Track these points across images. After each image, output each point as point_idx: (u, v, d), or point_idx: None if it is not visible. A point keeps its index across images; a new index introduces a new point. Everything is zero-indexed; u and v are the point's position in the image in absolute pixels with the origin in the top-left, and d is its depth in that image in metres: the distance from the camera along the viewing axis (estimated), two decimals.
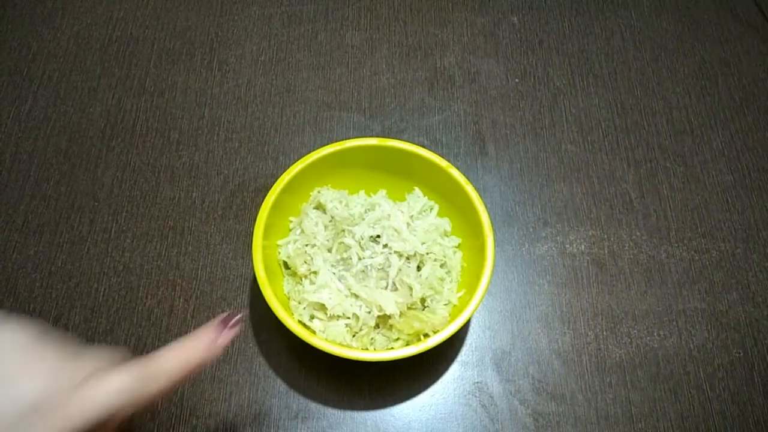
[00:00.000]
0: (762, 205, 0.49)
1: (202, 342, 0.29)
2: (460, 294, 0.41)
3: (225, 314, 0.31)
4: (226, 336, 0.30)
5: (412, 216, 0.43)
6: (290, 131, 0.52)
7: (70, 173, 0.49)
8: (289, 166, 0.42)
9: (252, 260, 0.39)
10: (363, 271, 0.40)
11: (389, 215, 0.42)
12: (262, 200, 0.41)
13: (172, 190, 0.49)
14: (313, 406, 0.41)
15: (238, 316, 0.31)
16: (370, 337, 0.39)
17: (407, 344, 0.38)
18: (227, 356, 0.43)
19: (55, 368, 0.26)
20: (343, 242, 0.41)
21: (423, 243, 0.41)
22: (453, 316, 0.38)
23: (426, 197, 0.44)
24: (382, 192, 0.46)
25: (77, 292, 0.45)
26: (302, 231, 0.42)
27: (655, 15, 0.59)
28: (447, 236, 0.43)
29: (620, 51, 0.57)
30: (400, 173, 0.44)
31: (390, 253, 0.40)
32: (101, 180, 0.49)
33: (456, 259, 0.42)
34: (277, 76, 0.55)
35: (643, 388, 0.42)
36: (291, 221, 0.44)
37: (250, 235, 0.40)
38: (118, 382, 0.26)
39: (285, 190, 0.41)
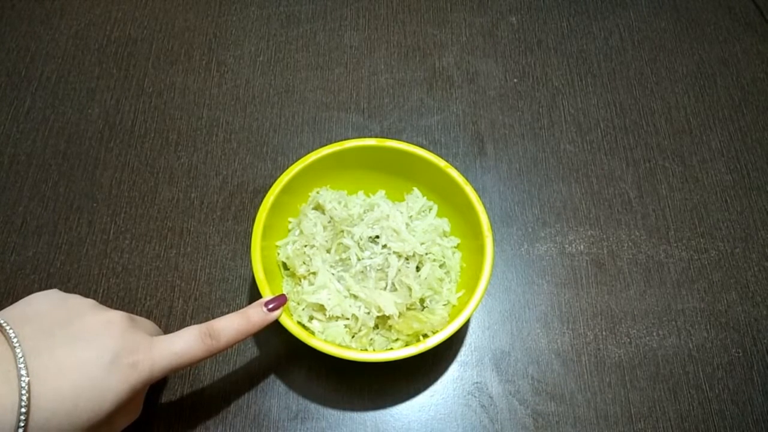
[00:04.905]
0: (761, 205, 0.49)
1: (252, 317, 0.35)
2: (460, 294, 0.41)
3: (269, 297, 0.36)
4: (273, 314, 0.36)
5: (411, 216, 0.43)
6: (289, 132, 0.52)
7: (68, 174, 0.49)
8: (287, 167, 0.42)
9: (251, 261, 0.38)
10: (362, 271, 0.40)
11: (388, 216, 0.41)
12: (261, 201, 0.41)
13: (170, 191, 0.49)
14: (313, 406, 0.41)
15: (279, 301, 0.36)
16: (369, 338, 0.39)
17: (406, 345, 0.38)
18: (227, 356, 0.43)
19: (123, 328, 0.32)
20: (342, 243, 0.41)
21: (422, 243, 0.41)
22: (452, 317, 0.38)
23: (425, 197, 0.44)
24: (381, 192, 0.46)
25: (76, 294, 0.44)
26: (301, 232, 0.42)
27: (654, 15, 0.59)
28: (446, 236, 0.43)
29: (619, 51, 0.57)
30: (399, 174, 0.44)
31: (389, 254, 0.40)
32: (100, 181, 0.49)
33: (455, 260, 0.42)
34: (275, 76, 0.55)
35: (642, 388, 0.42)
36: (290, 222, 0.44)
37: (248, 235, 0.40)
38: (188, 339, 0.33)
39: (284, 190, 0.41)
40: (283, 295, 0.37)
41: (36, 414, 0.28)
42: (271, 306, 0.36)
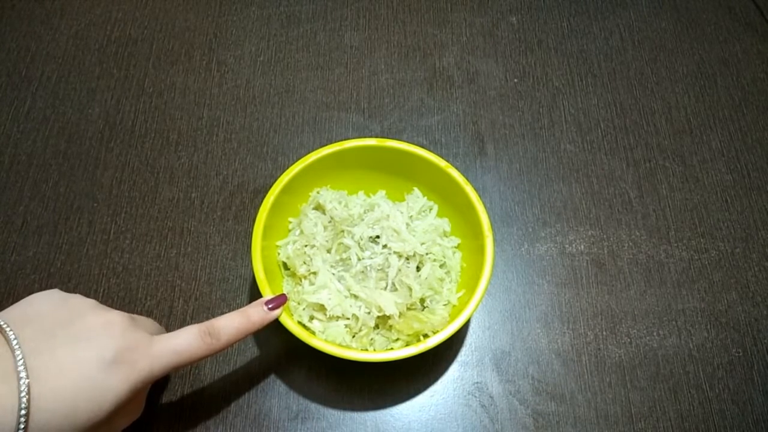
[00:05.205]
0: (761, 205, 0.50)
1: (252, 316, 0.35)
2: (460, 294, 0.41)
3: (270, 296, 0.37)
4: (273, 313, 0.36)
5: (411, 216, 0.43)
6: (289, 132, 0.52)
7: (69, 174, 0.49)
8: (288, 167, 0.42)
9: (251, 261, 0.38)
10: (362, 271, 0.40)
11: (388, 216, 0.42)
12: (261, 201, 0.41)
13: (171, 191, 0.49)
14: (313, 406, 0.41)
15: (279, 300, 0.36)
16: (370, 338, 0.39)
17: (407, 345, 0.38)
18: (227, 356, 0.43)
19: (123, 328, 0.32)
20: (342, 243, 0.41)
21: (422, 243, 0.41)
22: (452, 317, 0.38)
23: (425, 197, 0.44)
24: (382, 192, 0.46)
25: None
26: (301, 232, 0.42)
27: (654, 15, 0.59)
28: (446, 236, 0.43)
29: (619, 51, 0.57)
30: (400, 173, 0.44)
31: (389, 254, 0.40)
32: (100, 181, 0.49)
33: (455, 260, 0.42)
34: (275, 76, 0.55)
35: (642, 387, 0.42)
36: (290, 222, 0.44)
37: (249, 235, 0.40)
38: (188, 337, 0.33)
39: (284, 190, 0.41)
40: (284, 294, 0.37)
41: (36, 415, 0.28)
42: (271, 305, 0.36)
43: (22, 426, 0.27)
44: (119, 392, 0.30)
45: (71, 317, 0.31)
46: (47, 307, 0.32)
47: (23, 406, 0.27)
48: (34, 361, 0.29)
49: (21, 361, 0.28)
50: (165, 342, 0.33)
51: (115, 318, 0.32)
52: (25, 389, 0.28)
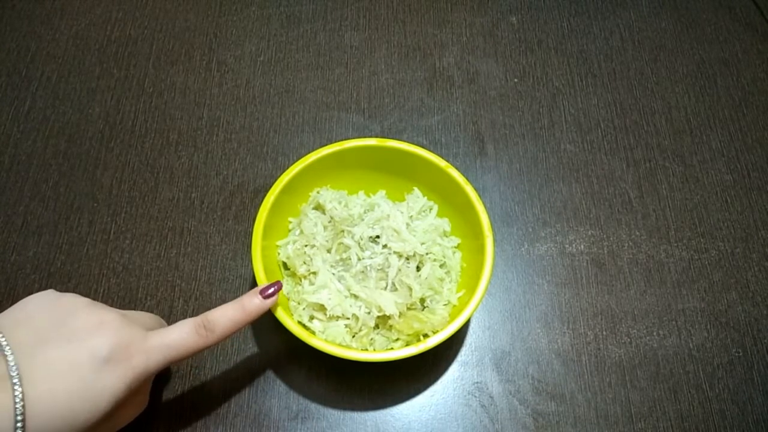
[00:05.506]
0: (761, 205, 0.50)
1: (247, 306, 0.35)
2: (460, 294, 0.41)
3: (265, 284, 0.36)
4: (267, 302, 0.35)
5: (411, 216, 0.43)
6: (289, 132, 0.52)
7: (69, 174, 0.49)
8: (288, 167, 0.42)
9: (251, 261, 0.38)
10: (362, 271, 0.40)
11: (388, 215, 0.42)
12: (261, 201, 0.41)
13: (171, 191, 0.49)
14: (313, 406, 0.41)
15: (276, 287, 0.36)
16: (370, 338, 0.39)
17: (407, 344, 0.38)
18: (227, 356, 0.43)
19: (116, 327, 0.31)
20: (342, 243, 0.41)
21: (422, 243, 0.41)
22: (453, 317, 0.38)
23: (425, 197, 0.44)
24: (382, 192, 0.46)
25: (76, 293, 0.44)
26: (301, 231, 0.42)
27: (654, 15, 0.59)
28: (446, 236, 0.43)
29: (619, 51, 0.57)
30: (400, 173, 0.44)
31: (389, 254, 0.40)
32: (100, 181, 0.49)
33: (455, 260, 0.42)
34: (276, 76, 0.55)
35: (642, 387, 0.42)
36: (290, 222, 0.44)
37: (249, 235, 0.40)
38: (182, 331, 0.33)
39: (284, 190, 0.41)
40: (279, 281, 0.36)
41: (32, 418, 0.28)
42: (266, 294, 0.36)
43: (19, 430, 0.27)
44: (115, 391, 0.30)
45: (64, 318, 0.31)
46: (40, 309, 0.32)
47: (18, 411, 0.27)
48: (27, 365, 0.29)
49: (14, 366, 0.28)
50: (159, 337, 0.33)
51: (108, 316, 0.32)
52: (20, 394, 0.28)
